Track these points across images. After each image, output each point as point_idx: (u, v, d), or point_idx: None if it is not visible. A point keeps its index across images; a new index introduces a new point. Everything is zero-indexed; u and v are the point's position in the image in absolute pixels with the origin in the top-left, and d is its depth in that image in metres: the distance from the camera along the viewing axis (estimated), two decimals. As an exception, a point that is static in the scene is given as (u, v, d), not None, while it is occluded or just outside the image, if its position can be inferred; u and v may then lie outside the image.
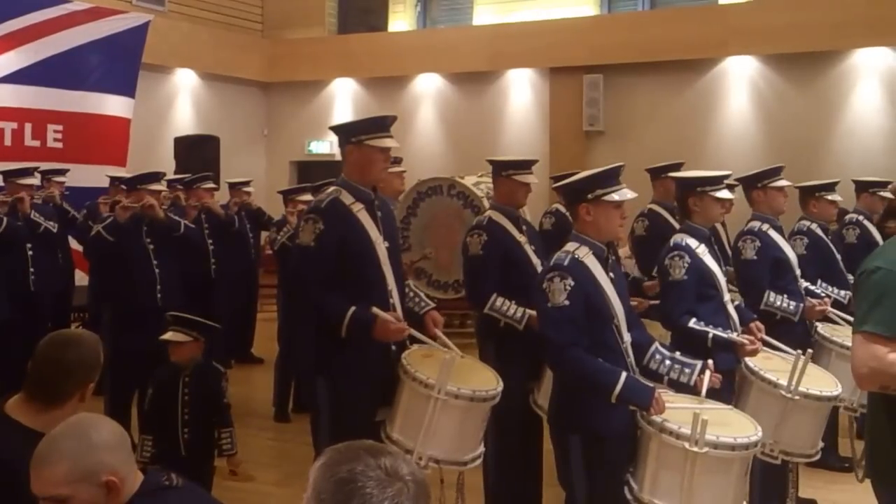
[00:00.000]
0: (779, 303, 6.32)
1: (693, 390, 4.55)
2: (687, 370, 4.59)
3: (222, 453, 5.74)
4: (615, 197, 4.41)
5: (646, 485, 4.29)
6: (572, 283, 4.28)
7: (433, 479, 4.61)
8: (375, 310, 4.64)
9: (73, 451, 2.62)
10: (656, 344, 4.71)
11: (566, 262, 4.34)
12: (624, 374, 4.28)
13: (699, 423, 4.08)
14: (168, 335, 5.68)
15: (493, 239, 5.73)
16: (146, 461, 5.41)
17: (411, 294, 5.32)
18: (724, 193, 5.50)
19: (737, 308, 5.68)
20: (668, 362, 4.63)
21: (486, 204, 7.96)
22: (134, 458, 2.83)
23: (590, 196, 4.40)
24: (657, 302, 6.12)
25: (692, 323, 5.25)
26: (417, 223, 9.24)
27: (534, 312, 5.42)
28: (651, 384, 4.42)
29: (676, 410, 4.27)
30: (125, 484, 2.69)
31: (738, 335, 5.35)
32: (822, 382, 5.27)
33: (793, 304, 6.34)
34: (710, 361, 4.65)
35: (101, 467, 2.63)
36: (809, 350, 5.24)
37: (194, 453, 5.60)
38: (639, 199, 5.20)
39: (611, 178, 4.45)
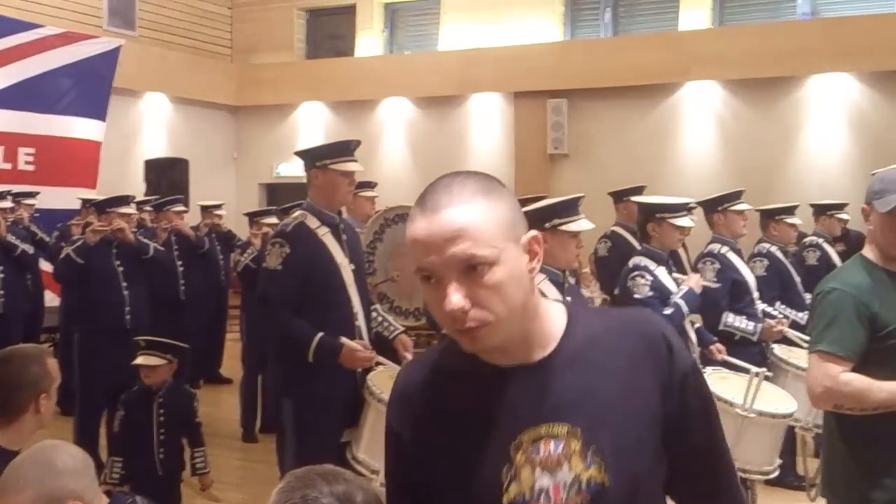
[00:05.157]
0: (738, 323, 6.39)
1: None
2: None
3: (196, 472, 5.77)
4: (572, 227, 4.45)
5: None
6: None
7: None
8: (343, 339, 4.68)
9: (38, 477, 2.59)
10: None
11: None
12: None
13: None
14: (140, 359, 5.66)
15: None
16: (115, 482, 5.43)
17: (380, 318, 5.33)
18: (683, 221, 5.58)
19: (697, 330, 5.77)
20: None
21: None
22: (97, 483, 2.80)
23: (547, 225, 4.41)
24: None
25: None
26: (383, 248, 9.24)
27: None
28: None
29: None
30: None
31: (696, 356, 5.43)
32: (777, 400, 5.30)
33: (751, 324, 6.41)
34: None
35: (66, 493, 2.61)
36: (764, 369, 5.27)
37: (170, 473, 5.65)
38: (602, 221, 5.28)
39: (570, 208, 4.49)
